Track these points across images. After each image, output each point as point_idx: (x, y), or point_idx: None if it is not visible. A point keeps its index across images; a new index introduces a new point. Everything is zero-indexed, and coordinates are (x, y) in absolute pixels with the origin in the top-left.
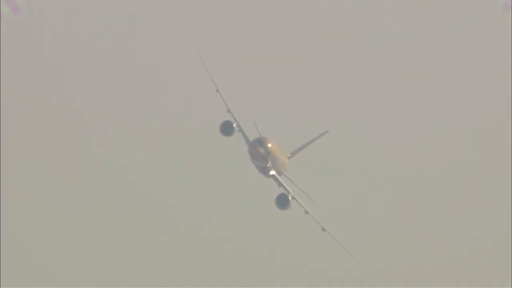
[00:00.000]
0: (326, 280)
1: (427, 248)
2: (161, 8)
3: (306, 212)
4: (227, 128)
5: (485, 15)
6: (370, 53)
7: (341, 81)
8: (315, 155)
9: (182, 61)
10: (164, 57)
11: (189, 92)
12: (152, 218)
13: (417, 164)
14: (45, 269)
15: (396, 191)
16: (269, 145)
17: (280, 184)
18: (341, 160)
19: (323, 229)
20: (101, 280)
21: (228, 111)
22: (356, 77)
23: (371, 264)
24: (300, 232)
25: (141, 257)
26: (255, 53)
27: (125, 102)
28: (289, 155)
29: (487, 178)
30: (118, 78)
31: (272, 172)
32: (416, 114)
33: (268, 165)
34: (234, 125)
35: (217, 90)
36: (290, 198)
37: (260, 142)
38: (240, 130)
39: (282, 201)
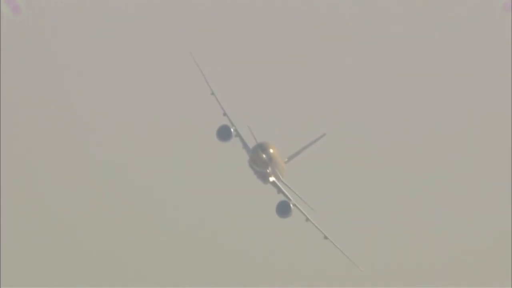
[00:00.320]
0: (326, 280)
1: (427, 248)
2: (157, 8)
3: (307, 220)
4: (225, 133)
5: (485, 15)
6: (369, 53)
7: (339, 82)
8: (312, 159)
9: (175, 63)
10: (158, 59)
11: (183, 95)
12: (149, 222)
13: (416, 165)
14: (45, 269)
15: (395, 191)
16: (271, 150)
17: (279, 191)
18: (339, 164)
19: (325, 237)
20: (101, 280)
21: (224, 114)
22: (355, 78)
23: (371, 264)
24: (301, 237)
25: (141, 259)
26: (251, 54)
27: (119, 105)
28: (286, 159)
29: (487, 178)
30: (117, 78)
31: (272, 179)
32: (416, 114)
33: (268, 171)
34: (232, 130)
35: (212, 93)
36: (291, 205)
37: (262, 147)
38: (238, 135)
39: (283, 209)
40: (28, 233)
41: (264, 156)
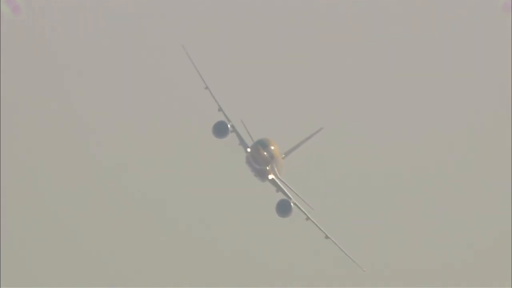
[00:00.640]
0: (326, 280)
1: (427, 248)
2: (153, 6)
3: (308, 219)
4: (221, 130)
5: (485, 15)
6: (368, 52)
7: (338, 78)
8: (311, 157)
9: (167, 57)
10: (151, 53)
11: (176, 90)
12: (148, 223)
13: (416, 163)
14: (45, 269)
15: (395, 190)
16: (272, 147)
17: (279, 189)
18: (338, 162)
19: (326, 237)
20: (101, 280)
21: (220, 109)
22: (355, 77)
23: (371, 264)
24: (301, 237)
25: (140, 259)
26: (245, 49)
27: (114, 103)
28: (283, 155)
29: (487, 178)
30: (117, 78)
31: (271, 176)
32: (416, 113)
33: (268, 169)
34: (229, 126)
35: (206, 87)
36: (292, 204)
37: (264, 144)
38: (234, 131)
39: (284, 208)
40: (28, 233)
41: (265, 153)
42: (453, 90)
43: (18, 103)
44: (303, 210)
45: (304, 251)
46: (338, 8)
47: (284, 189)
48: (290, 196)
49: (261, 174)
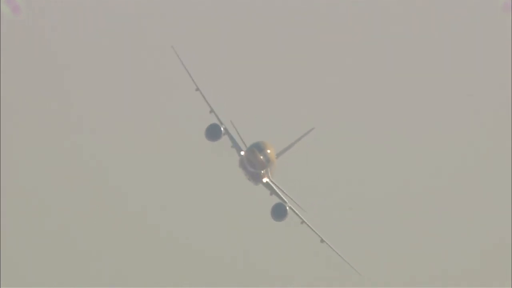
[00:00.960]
0: (321, 283)
1: (427, 248)
2: (152, 7)
3: (303, 222)
4: (215, 132)
5: (485, 15)
6: (367, 52)
7: (330, 79)
8: (304, 159)
9: (158, 59)
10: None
11: (168, 92)
12: (147, 223)
13: (414, 164)
14: (45, 269)
15: (391, 192)
16: (269, 151)
17: (273, 192)
18: (332, 163)
19: (322, 241)
20: (100, 280)
21: (211, 111)
22: (350, 77)
23: (371, 265)
24: (295, 240)
25: (140, 259)
26: (238, 50)
27: (112, 104)
28: (276, 156)
29: (487, 178)
30: (117, 78)
31: (265, 180)
32: (415, 113)
33: (263, 172)
34: (222, 129)
35: (197, 89)
36: (287, 208)
37: (260, 147)
38: (227, 133)
39: (279, 212)
40: (28, 233)
41: (261, 157)
42: (453, 90)
43: (18, 103)
44: (298, 213)
45: (299, 255)
46: (331, 6)
47: (278, 192)
48: (285, 199)
49: (255, 178)
